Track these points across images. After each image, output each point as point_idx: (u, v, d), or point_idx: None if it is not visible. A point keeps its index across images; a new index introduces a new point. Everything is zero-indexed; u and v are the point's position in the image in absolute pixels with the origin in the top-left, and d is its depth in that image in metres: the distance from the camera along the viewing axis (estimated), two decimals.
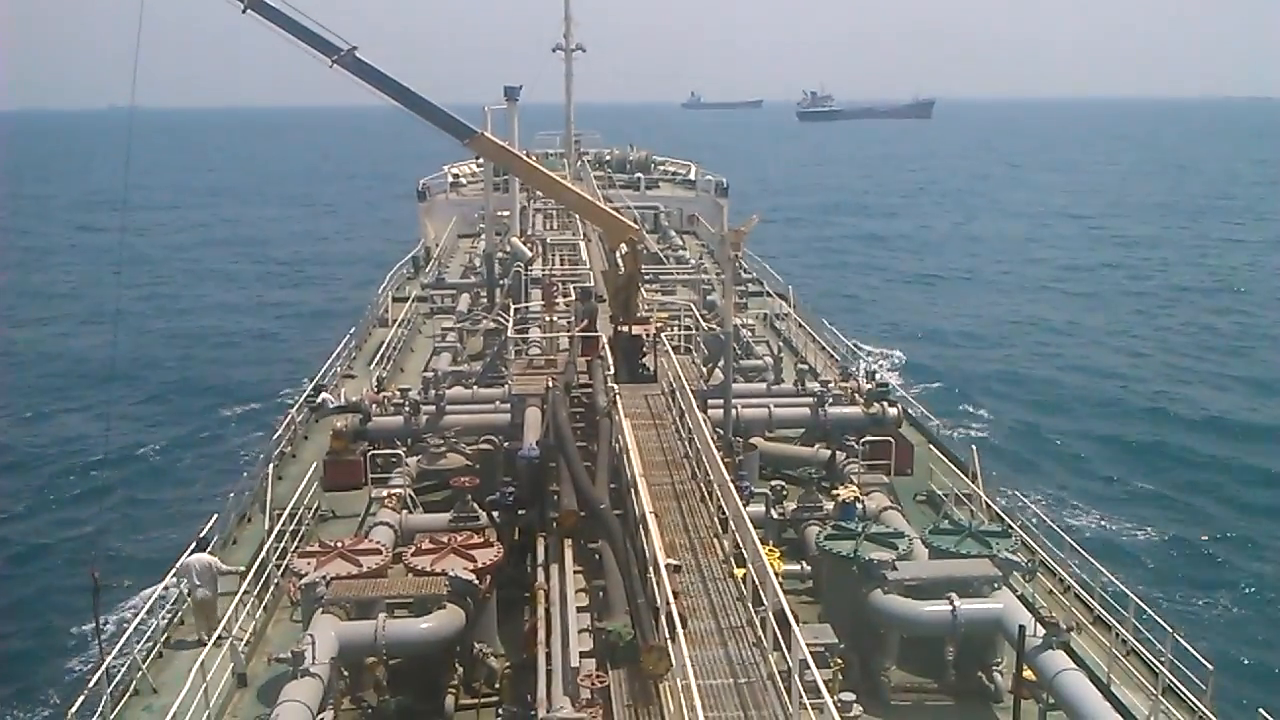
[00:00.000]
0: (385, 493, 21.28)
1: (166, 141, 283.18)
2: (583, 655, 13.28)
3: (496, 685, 15.90)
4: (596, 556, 16.06)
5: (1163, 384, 51.48)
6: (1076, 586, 18.61)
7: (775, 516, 20.20)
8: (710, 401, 23.06)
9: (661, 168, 67.12)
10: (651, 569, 13.98)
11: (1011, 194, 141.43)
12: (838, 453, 23.82)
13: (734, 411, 23.37)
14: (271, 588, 18.48)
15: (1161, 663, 15.45)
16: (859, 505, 19.86)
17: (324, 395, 27.26)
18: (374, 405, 24.81)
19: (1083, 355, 57.35)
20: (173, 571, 18.26)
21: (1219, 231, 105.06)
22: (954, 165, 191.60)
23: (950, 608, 15.53)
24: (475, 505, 19.56)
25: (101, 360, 54.13)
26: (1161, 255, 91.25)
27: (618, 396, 20.27)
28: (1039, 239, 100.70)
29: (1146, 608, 16.71)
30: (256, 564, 18.57)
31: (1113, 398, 49.27)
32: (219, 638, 16.27)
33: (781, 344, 34.62)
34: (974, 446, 25.96)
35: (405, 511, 20.79)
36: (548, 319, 26.66)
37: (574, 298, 27.25)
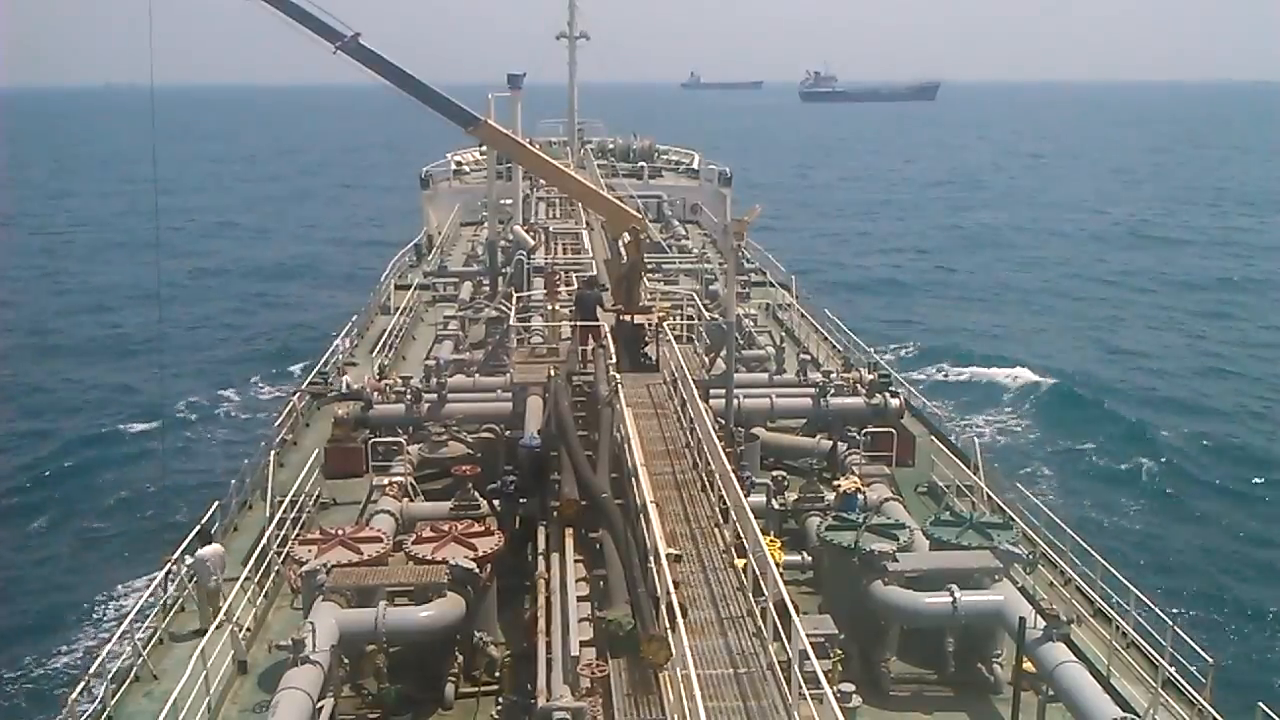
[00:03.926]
0: (386, 480, 21.28)
1: (174, 118, 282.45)
2: (583, 644, 13.31)
3: (497, 674, 15.93)
4: (597, 546, 16.08)
5: (1168, 374, 51.48)
6: (1077, 579, 18.61)
7: (776, 507, 20.21)
8: (712, 391, 23.03)
9: (665, 157, 66.95)
10: (652, 558, 13.98)
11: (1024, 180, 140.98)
12: (839, 443, 23.80)
13: (736, 401, 23.33)
14: (272, 575, 18.50)
15: (1162, 656, 15.44)
16: (860, 496, 19.87)
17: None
18: (375, 393, 24.79)
19: (1084, 344, 57.31)
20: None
21: (1230, 221, 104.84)
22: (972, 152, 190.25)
23: (951, 599, 15.53)
24: (476, 494, 19.56)
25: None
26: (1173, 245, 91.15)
27: (619, 386, 20.24)
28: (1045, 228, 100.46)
29: (1147, 601, 16.67)
30: (257, 551, 18.58)
31: (1116, 388, 49.25)
32: (219, 625, 16.30)
33: (784, 334, 34.60)
34: (976, 438, 25.92)
35: (406, 499, 20.81)
36: (550, 308, 26.61)
37: (576, 287, 27.19)
